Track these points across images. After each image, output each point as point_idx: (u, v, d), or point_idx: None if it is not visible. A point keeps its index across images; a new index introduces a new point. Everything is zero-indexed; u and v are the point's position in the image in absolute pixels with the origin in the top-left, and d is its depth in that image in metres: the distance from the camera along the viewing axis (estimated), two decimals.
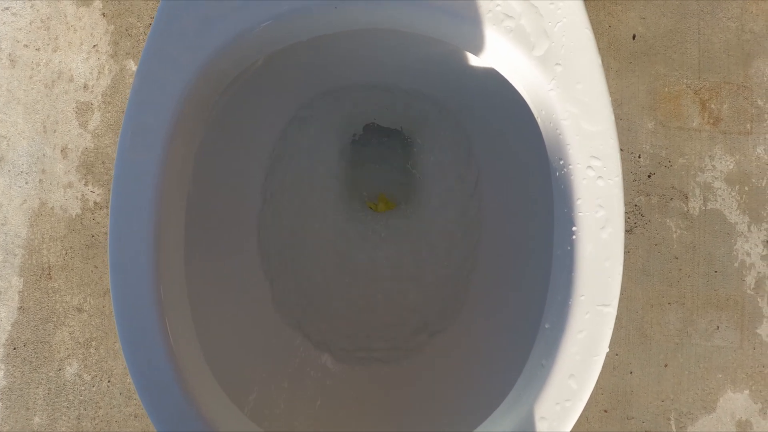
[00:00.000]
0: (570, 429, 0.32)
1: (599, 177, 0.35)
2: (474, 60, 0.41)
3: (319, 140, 0.61)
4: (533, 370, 0.34)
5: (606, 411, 0.79)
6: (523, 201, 0.50)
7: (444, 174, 0.62)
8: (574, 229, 0.35)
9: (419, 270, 0.59)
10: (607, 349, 0.33)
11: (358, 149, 0.71)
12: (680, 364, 0.78)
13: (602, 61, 0.40)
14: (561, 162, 0.36)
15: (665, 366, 0.78)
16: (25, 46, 0.84)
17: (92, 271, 0.82)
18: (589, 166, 0.35)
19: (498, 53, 0.38)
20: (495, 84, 0.42)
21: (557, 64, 0.36)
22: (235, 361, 0.41)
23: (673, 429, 0.78)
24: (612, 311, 0.34)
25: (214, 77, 0.38)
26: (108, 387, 0.80)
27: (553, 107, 0.36)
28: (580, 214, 0.35)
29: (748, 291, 0.79)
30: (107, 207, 0.82)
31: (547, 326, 0.35)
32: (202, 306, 0.39)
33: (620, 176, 0.35)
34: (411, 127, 0.67)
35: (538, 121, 0.38)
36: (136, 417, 0.80)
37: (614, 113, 0.38)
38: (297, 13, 0.36)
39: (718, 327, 0.78)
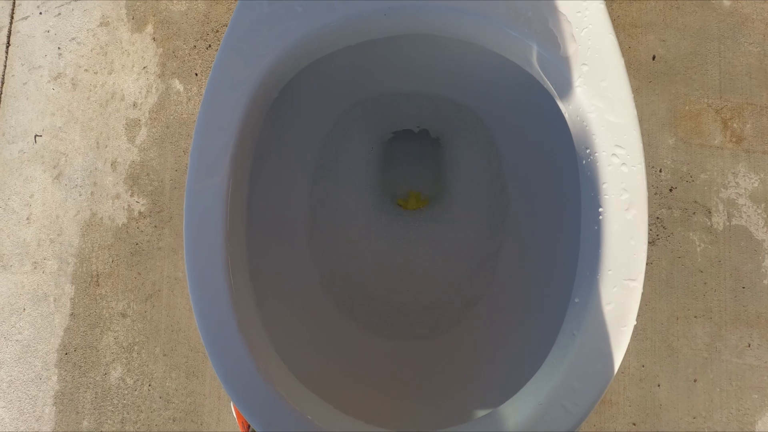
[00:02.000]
0: (602, 396, 0.35)
1: (623, 164, 0.39)
2: (503, 62, 0.46)
3: (357, 143, 0.66)
4: (565, 340, 0.37)
5: (635, 424, 0.77)
6: (546, 187, 0.53)
7: (470, 168, 0.65)
8: (600, 210, 0.38)
9: (450, 255, 0.62)
10: (635, 322, 0.36)
11: (391, 151, 0.75)
12: (711, 380, 0.76)
13: None
14: (587, 150, 0.40)
15: (695, 381, 0.77)
16: (86, 70, 0.91)
17: (135, 278, 0.86)
18: (614, 154, 0.39)
19: (528, 55, 0.43)
20: (522, 83, 0.46)
21: (583, 64, 0.40)
22: (290, 336, 0.45)
23: None
24: (638, 285, 0.37)
25: (272, 82, 0.43)
26: (149, 391, 0.83)
27: (579, 102, 0.40)
28: (606, 196, 0.38)
29: None
30: (150, 216, 0.87)
31: (576, 300, 0.38)
32: (262, 290, 0.43)
33: (643, 163, 0.38)
34: (440, 128, 0.71)
35: (566, 115, 0.42)
36: (174, 421, 0.82)
37: None
38: (353, 18, 0.40)
39: (749, 345, 0.77)
